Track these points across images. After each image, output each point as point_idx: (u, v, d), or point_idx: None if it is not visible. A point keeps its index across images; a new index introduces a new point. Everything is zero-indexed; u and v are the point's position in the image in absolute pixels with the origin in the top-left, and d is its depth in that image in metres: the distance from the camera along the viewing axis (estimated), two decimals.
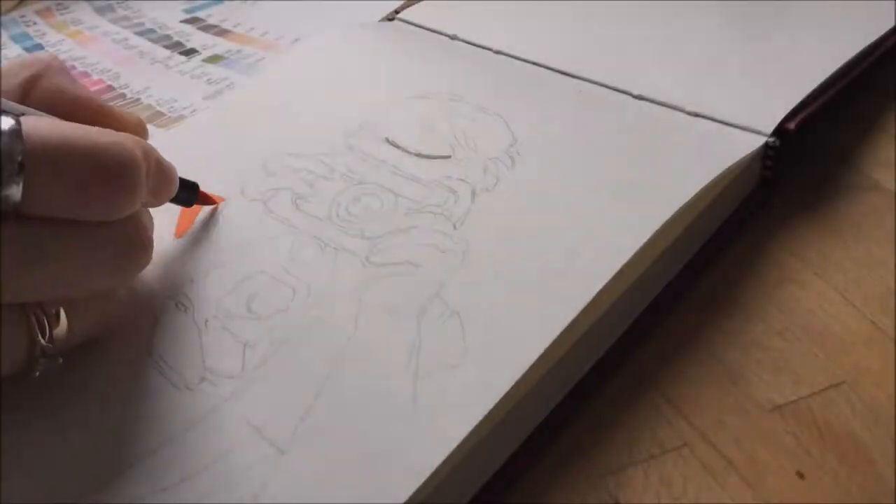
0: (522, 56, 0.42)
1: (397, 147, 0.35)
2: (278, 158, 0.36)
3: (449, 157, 0.34)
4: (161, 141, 0.42)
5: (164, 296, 0.30)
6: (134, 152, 0.23)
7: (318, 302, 0.29)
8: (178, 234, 0.33)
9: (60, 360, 0.25)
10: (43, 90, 0.26)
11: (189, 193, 0.32)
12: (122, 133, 0.24)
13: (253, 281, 0.30)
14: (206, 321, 0.28)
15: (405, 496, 0.22)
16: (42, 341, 0.24)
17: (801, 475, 0.25)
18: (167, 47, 0.53)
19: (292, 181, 0.34)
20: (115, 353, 0.28)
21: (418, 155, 0.35)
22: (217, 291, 0.30)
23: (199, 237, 0.33)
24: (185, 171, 0.34)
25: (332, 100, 0.40)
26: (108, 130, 0.23)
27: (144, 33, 0.56)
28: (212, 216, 0.33)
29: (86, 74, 0.51)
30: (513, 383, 0.24)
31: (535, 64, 0.41)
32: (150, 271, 0.31)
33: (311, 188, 0.34)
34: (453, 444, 0.23)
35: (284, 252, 0.31)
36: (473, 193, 0.32)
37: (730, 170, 0.32)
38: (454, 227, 0.31)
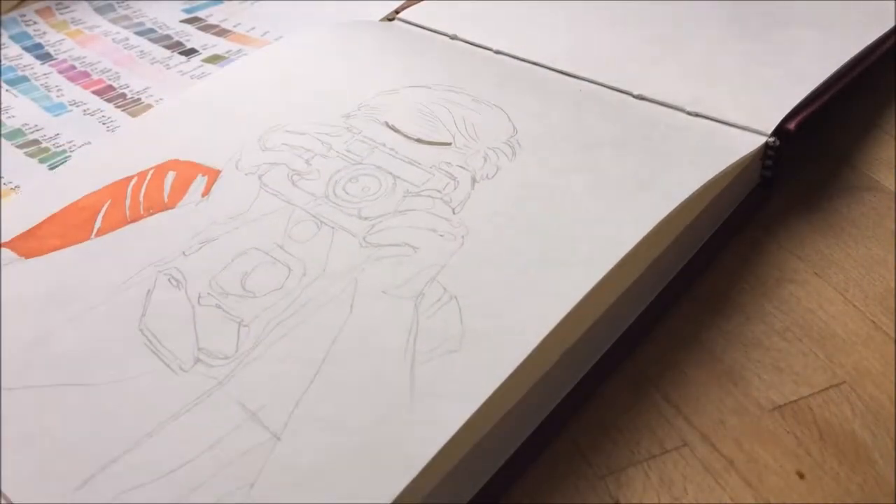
0: (522, 56, 0.42)
1: (397, 132, 0.35)
2: (275, 133, 0.36)
3: (449, 143, 0.34)
4: (153, 113, 0.42)
5: (155, 269, 0.29)
6: None
7: (313, 281, 0.28)
8: (171, 204, 0.32)
9: None
10: None
11: None
12: None
13: (247, 257, 0.30)
14: (200, 297, 0.28)
15: (402, 484, 0.22)
16: None
17: (801, 475, 0.25)
18: (167, 47, 0.53)
19: (289, 157, 0.34)
20: (107, 329, 0.28)
21: (419, 140, 0.35)
22: (210, 266, 0.29)
23: (190, 208, 0.32)
24: (179, 139, 0.33)
25: (332, 83, 0.40)
26: None
27: (144, 33, 0.56)
28: (205, 186, 0.33)
29: (86, 74, 0.51)
30: (511, 371, 0.24)
31: (535, 64, 0.41)
32: (142, 242, 0.31)
33: (308, 165, 0.34)
34: (451, 432, 0.23)
35: (280, 228, 0.31)
36: (473, 180, 0.32)
37: (730, 169, 0.32)
38: (453, 212, 0.31)
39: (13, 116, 0.46)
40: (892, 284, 0.31)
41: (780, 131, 0.34)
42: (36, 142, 0.44)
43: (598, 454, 0.26)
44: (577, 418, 0.27)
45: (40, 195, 0.35)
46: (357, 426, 0.24)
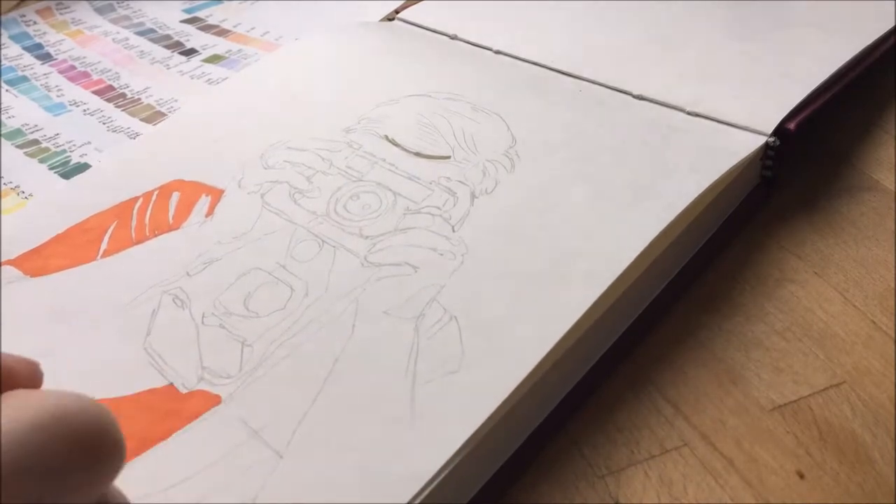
0: (522, 56, 0.42)
1: (396, 145, 0.35)
2: (277, 150, 0.36)
3: (449, 157, 0.34)
4: (156, 130, 0.42)
5: (160, 289, 0.30)
6: (100, 407, 0.17)
7: (315, 301, 0.28)
8: (175, 225, 0.32)
9: None
10: None
11: None
12: (66, 393, 0.17)
13: (250, 277, 0.30)
14: (204, 317, 0.28)
15: (402, 502, 0.22)
16: None
17: (801, 475, 0.25)
18: (167, 47, 0.53)
19: (290, 174, 0.34)
20: (113, 348, 0.28)
21: (418, 154, 0.35)
22: (214, 287, 0.29)
23: (195, 229, 0.32)
24: (183, 157, 0.33)
25: (332, 94, 0.40)
26: (56, 392, 0.17)
27: (144, 33, 0.56)
28: (209, 206, 0.33)
29: (86, 74, 0.51)
30: (511, 390, 0.24)
31: (535, 64, 0.41)
32: (147, 263, 0.31)
33: (309, 183, 0.34)
34: (451, 452, 0.23)
35: (282, 247, 0.31)
36: (473, 196, 0.32)
37: (730, 170, 0.32)
38: (453, 230, 0.31)
39: (13, 116, 0.46)
40: (892, 284, 0.31)
41: (780, 131, 0.34)
42: (36, 142, 0.44)
43: (598, 454, 0.26)
44: (577, 418, 0.27)
45: (44, 213, 0.35)
46: (358, 446, 0.24)
